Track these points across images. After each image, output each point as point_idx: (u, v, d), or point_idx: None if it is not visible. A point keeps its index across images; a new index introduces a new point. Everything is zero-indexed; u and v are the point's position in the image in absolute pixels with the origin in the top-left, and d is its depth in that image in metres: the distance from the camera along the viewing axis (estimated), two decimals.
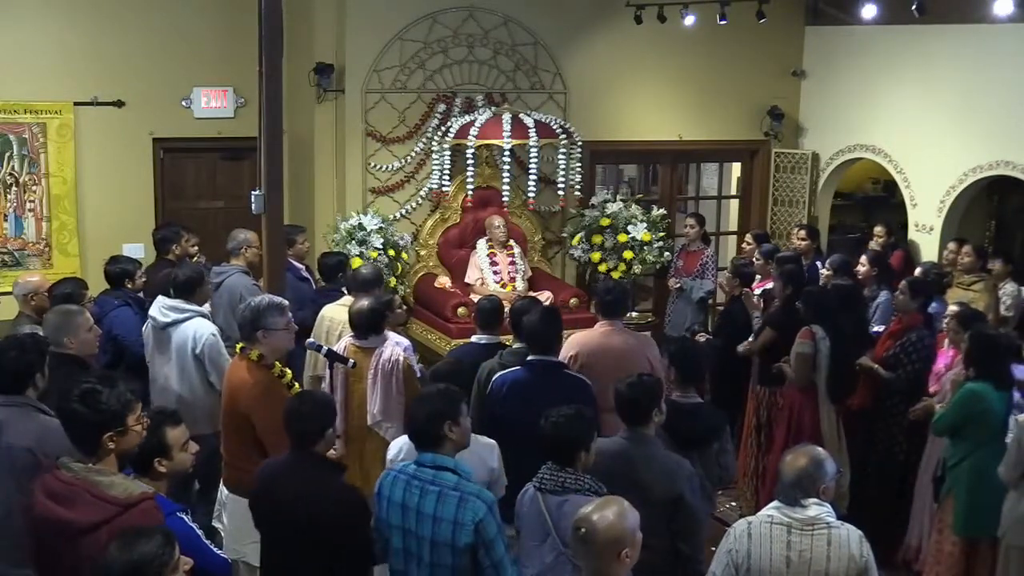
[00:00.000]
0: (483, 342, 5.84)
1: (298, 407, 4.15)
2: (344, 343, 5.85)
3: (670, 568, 4.30)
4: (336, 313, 6.47)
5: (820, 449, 3.90)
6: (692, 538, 4.36)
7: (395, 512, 3.89)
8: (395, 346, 5.81)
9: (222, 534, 5.11)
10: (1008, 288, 7.83)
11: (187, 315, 5.93)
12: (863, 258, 7.86)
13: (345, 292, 6.89)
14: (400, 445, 4.71)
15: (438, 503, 3.78)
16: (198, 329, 5.88)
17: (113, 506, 3.33)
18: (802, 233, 8.97)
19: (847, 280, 7.28)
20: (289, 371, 5.14)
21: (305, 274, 7.63)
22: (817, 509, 3.72)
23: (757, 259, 8.19)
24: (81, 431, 3.47)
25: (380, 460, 5.37)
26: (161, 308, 6.00)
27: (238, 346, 5.14)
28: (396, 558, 3.95)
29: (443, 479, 3.82)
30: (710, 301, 9.40)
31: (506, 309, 6.17)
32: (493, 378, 5.32)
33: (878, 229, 9.04)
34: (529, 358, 5.31)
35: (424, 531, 3.80)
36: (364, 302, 5.83)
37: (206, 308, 6.29)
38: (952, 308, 6.43)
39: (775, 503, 3.82)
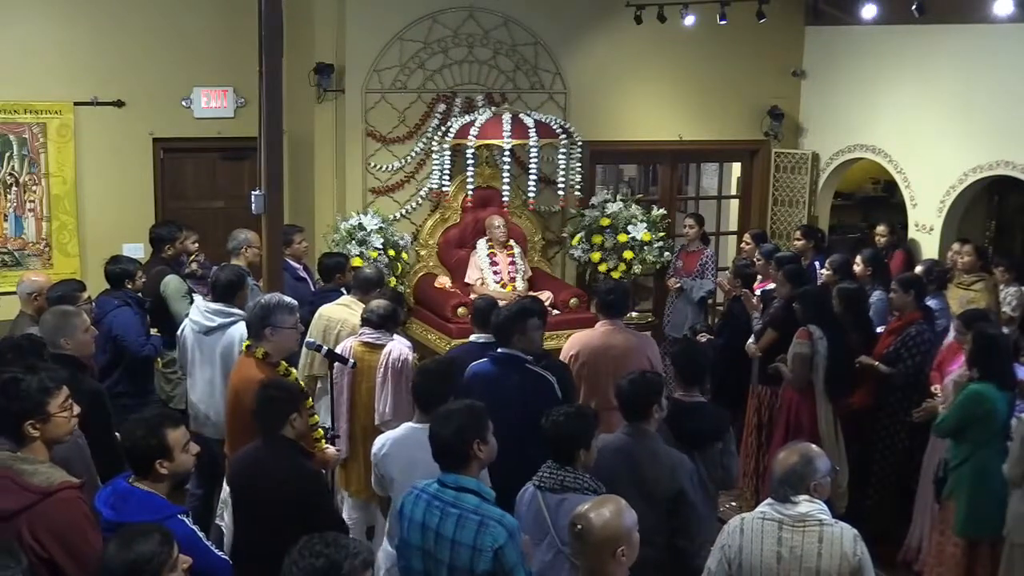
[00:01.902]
0: (481, 341, 5.85)
1: (263, 396, 4.28)
2: (349, 343, 5.86)
3: (671, 564, 4.31)
4: (334, 312, 6.47)
5: (812, 446, 3.91)
6: (692, 534, 4.39)
7: (415, 532, 3.76)
8: (403, 345, 5.83)
9: (225, 532, 5.12)
10: (1012, 290, 7.82)
11: (232, 319, 5.87)
12: (858, 258, 7.87)
13: (344, 292, 6.89)
14: (384, 441, 4.70)
15: (457, 527, 3.62)
16: (244, 333, 5.78)
17: (32, 494, 3.35)
18: (798, 233, 9.02)
19: (852, 282, 7.28)
20: (294, 370, 5.16)
21: (302, 274, 7.61)
22: (808, 506, 3.73)
23: (758, 259, 8.19)
24: (3, 420, 3.50)
25: None
26: (204, 312, 5.93)
27: (244, 344, 5.16)
28: None
29: (464, 501, 3.66)
30: (709, 301, 9.40)
31: None
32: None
33: (880, 228, 9.04)
34: (499, 350, 5.35)
35: (443, 554, 3.66)
36: (382, 300, 5.95)
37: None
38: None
39: (767, 500, 3.84)
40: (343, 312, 6.43)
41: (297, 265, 7.59)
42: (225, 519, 5.13)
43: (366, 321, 5.86)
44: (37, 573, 3.31)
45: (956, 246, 8.23)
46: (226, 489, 5.16)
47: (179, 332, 6.14)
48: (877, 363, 6.59)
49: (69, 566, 3.34)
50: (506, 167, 8.47)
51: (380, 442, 4.72)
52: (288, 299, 5.22)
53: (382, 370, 5.65)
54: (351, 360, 5.70)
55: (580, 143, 8.84)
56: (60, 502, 3.35)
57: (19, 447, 3.48)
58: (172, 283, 6.93)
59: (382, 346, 5.74)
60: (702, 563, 4.30)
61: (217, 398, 5.85)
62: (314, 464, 4.55)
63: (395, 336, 6.07)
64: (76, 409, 3.68)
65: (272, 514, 4.04)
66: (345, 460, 5.84)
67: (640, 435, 4.48)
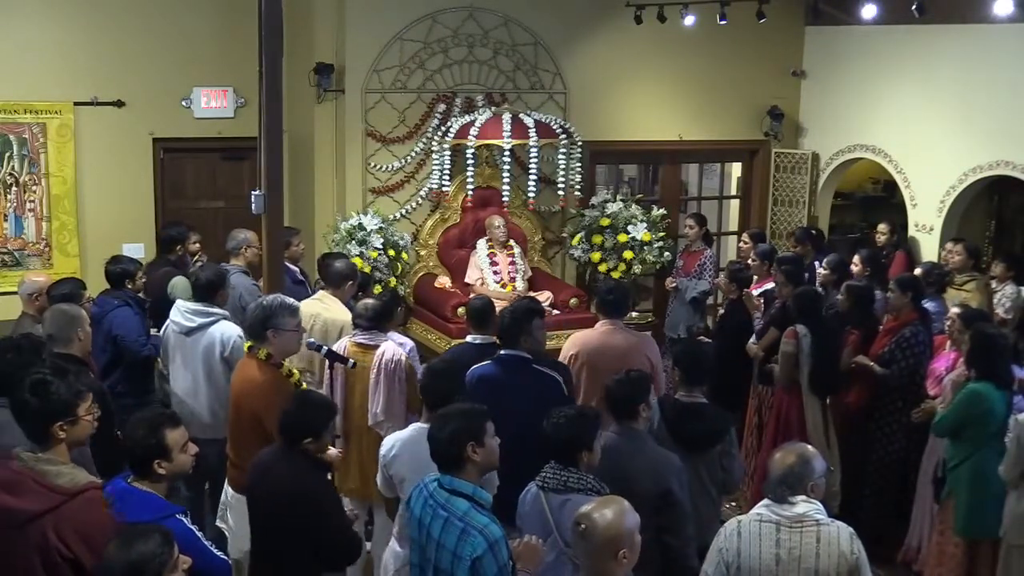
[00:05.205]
0: (477, 342, 5.83)
1: (297, 408, 4.23)
2: (344, 342, 5.86)
3: (660, 562, 4.30)
4: (308, 307, 6.31)
5: (808, 447, 3.93)
6: (680, 533, 4.38)
7: (413, 526, 3.81)
8: (397, 345, 5.82)
9: (227, 534, 5.12)
10: (1008, 290, 7.76)
11: (212, 319, 5.89)
12: (856, 257, 7.87)
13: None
14: (392, 442, 4.70)
15: (443, 530, 3.62)
16: (225, 332, 5.84)
17: (58, 495, 3.36)
18: (792, 241, 9.07)
19: (865, 281, 7.29)
20: (296, 371, 5.15)
21: (300, 277, 7.57)
22: (806, 506, 3.73)
23: (753, 260, 8.17)
24: (32, 421, 3.51)
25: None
26: (185, 313, 5.94)
27: (246, 345, 5.16)
28: (412, 573, 3.90)
29: (454, 505, 3.64)
30: (709, 301, 9.39)
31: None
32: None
33: (882, 227, 9.04)
34: (500, 352, 5.33)
35: (430, 553, 3.69)
36: (369, 300, 5.93)
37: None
38: (955, 310, 6.42)
39: (764, 501, 3.84)
40: (316, 307, 6.39)
41: (295, 268, 7.55)
42: (229, 521, 5.13)
43: (356, 323, 5.83)
44: (61, 573, 3.32)
45: (948, 245, 8.23)
46: (228, 491, 5.16)
47: (161, 332, 6.15)
48: (872, 364, 6.60)
49: (95, 566, 3.34)
50: (506, 167, 8.47)
51: (388, 443, 4.71)
52: (290, 300, 5.21)
53: (375, 371, 5.63)
54: (352, 360, 5.70)
55: (580, 143, 8.84)
56: (86, 502, 3.35)
57: (42, 448, 3.48)
58: (180, 284, 6.89)
59: (375, 347, 5.74)
60: (692, 562, 4.32)
61: (199, 398, 5.88)
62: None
63: (392, 335, 6.07)
64: (97, 412, 3.68)
65: (285, 525, 4.03)
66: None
67: (628, 435, 4.49)
